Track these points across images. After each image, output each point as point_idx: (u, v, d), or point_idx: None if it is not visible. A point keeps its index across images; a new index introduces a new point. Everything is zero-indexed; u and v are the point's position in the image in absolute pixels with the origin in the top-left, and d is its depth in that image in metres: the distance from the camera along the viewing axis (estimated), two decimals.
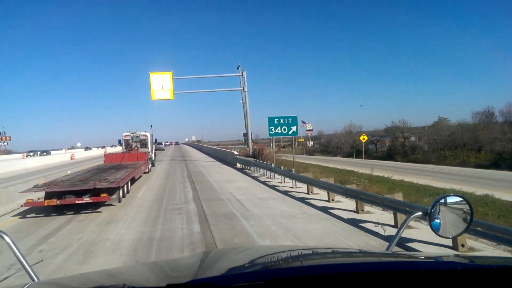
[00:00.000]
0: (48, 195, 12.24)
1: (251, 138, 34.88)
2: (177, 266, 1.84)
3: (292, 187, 15.83)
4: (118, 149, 50.50)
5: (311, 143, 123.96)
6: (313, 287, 1.13)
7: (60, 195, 12.13)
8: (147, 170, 23.71)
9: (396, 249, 1.93)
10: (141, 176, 21.08)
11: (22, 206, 13.13)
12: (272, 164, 20.06)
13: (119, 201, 13.26)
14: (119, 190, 13.16)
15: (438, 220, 1.92)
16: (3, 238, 1.77)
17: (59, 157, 56.64)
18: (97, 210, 12.24)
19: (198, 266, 1.54)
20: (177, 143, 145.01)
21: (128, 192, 15.31)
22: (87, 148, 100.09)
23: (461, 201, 1.94)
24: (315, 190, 14.11)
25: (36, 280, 1.70)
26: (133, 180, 17.38)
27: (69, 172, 18.65)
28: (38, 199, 13.10)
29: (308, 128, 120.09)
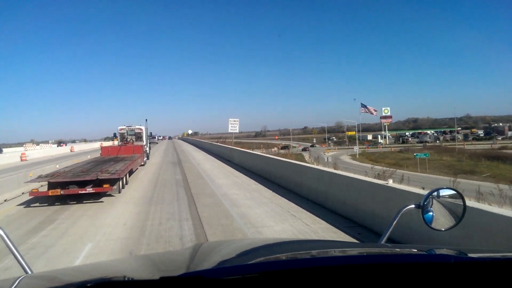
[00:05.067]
0: (52, 185, 11.98)
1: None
2: (169, 259, 1.76)
3: None
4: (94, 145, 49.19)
5: (384, 138, 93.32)
6: (306, 279, 1.07)
7: (63, 185, 11.88)
8: (142, 163, 23.26)
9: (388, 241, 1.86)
10: (137, 168, 20.61)
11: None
12: None
13: (119, 192, 13.05)
14: (119, 181, 12.96)
15: (431, 213, 1.82)
16: None
17: None
18: (99, 200, 12.01)
19: (190, 259, 1.46)
20: (170, 138, 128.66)
21: (126, 183, 15.03)
22: (60, 144, 75.56)
23: (455, 194, 1.84)
24: None
25: (30, 272, 1.60)
26: (130, 172, 17.02)
27: None
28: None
29: (384, 114, 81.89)
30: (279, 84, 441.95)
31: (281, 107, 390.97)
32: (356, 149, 69.06)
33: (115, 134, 28.47)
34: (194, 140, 72.54)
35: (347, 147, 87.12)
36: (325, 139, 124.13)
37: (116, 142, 29.54)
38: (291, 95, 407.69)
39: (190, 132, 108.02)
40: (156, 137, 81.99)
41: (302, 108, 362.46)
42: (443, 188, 1.88)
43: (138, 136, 27.19)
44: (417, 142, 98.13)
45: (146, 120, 30.53)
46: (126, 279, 1.20)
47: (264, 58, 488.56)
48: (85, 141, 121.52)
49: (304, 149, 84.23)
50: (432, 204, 1.84)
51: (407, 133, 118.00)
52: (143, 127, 27.95)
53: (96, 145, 69.21)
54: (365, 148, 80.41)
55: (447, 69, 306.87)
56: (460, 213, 1.80)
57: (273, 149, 70.38)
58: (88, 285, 1.09)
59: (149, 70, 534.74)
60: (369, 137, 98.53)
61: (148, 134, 30.56)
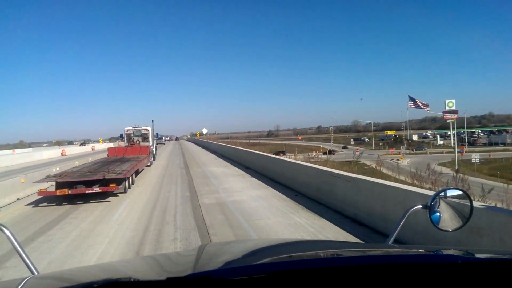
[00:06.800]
0: (60, 185, 12.05)
1: None
2: (174, 260, 1.74)
3: None
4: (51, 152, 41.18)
5: (443, 138, 77.09)
6: (313, 280, 1.06)
7: (71, 185, 11.96)
8: (149, 164, 23.21)
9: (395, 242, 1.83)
10: (143, 169, 20.58)
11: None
12: None
13: (125, 191, 13.08)
14: (126, 180, 12.99)
15: (438, 214, 1.80)
16: (2, 231, 1.62)
17: None
18: (106, 200, 12.05)
19: (196, 259, 1.44)
20: (177, 139, 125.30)
21: (133, 183, 15.02)
22: None
23: (462, 194, 1.82)
24: None
25: (36, 273, 1.59)
26: (136, 173, 17.02)
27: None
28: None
29: (448, 109, 62.17)
30: (287, 83, 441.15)
31: (291, 106, 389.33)
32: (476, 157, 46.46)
33: (121, 135, 28.54)
34: (218, 146, 37.77)
35: (410, 150, 70.37)
36: (357, 139, 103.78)
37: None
38: (300, 94, 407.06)
39: (205, 131, 73.65)
40: (164, 138, 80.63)
41: (312, 107, 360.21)
42: (450, 189, 1.85)
43: (145, 137, 27.17)
44: (490, 144, 79.36)
45: (153, 121, 30.48)
46: (132, 279, 1.18)
47: (273, 57, 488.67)
48: (83, 142, 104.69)
49: (329, 152, 62.51)
50: (439, 205, 1.81)
51: (448, 132, 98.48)
52: (149, 128, 27.97)
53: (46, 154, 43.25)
54: (449, 152, 60.38)
55: (454, 69, 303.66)
56: (467, 214, 1.77)
57: (313, 154, 53.45)
58: (95, 286, 1.07)
59: (157, 69, 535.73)
60: (414, 137, 79.48)
61: (155, 134, 30.49)
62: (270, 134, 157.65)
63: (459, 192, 1.83)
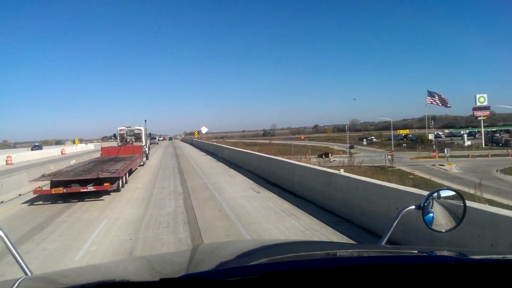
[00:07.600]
0: (55, 184, 12.02)
1: None
2: (167, 261, 1.72)
3: None
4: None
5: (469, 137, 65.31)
6: (306, 281, 1.05)
7: (66, 184, 11.94)
8: (142, 163, 23.16)
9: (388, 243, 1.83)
10: (136, 168, 20.45)
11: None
12: None
13: (119, 190, 13.04)
14: (119, 179, 12.98)
15: (431, 214, 1.77)
16: None
17: None
18: (100, 198, 12.01)
19: (190, 260, 1.42)
20: (170, 139, 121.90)
21: (126, 182, 14.99)
22: None
23: (455, 195, 1.79)
24: None
25: (29, 274, 1.56)
26: (130, 172, 16.96)
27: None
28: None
29: (480, 105, 57.05)
30: (281, 82, 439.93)
31: (286, 105, 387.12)
32: None
33: (115, 135, 28.46)
34: (245, 157, 20.04)
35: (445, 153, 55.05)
36: (368, 138, 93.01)
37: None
38: (295, 93, 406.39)
39: (204, 130, 55.68)
40: (157, 138, 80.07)
41: (307, 106, 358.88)
42: (444, 189, 1.83)
43: (138, 137, 27.14)
44: None
45: (145, 121, 30.47)
46: (126, 281, 1.17)
47: (268, 57, 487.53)
48: (37, 145, 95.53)
49: (325, 155, 52.33)
50: (432, 205, 1.79)
51: (462, 131, 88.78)
52: (142, 128, 27.92)
53: None
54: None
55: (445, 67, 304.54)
56: (460, 215, 1.76)
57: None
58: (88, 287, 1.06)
59: (151, 68, 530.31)
60: (430, 136, 67.22)
61: (148, 134, 30.40)
62: (265, 134, 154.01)
63: (453, 193, 1.81)
